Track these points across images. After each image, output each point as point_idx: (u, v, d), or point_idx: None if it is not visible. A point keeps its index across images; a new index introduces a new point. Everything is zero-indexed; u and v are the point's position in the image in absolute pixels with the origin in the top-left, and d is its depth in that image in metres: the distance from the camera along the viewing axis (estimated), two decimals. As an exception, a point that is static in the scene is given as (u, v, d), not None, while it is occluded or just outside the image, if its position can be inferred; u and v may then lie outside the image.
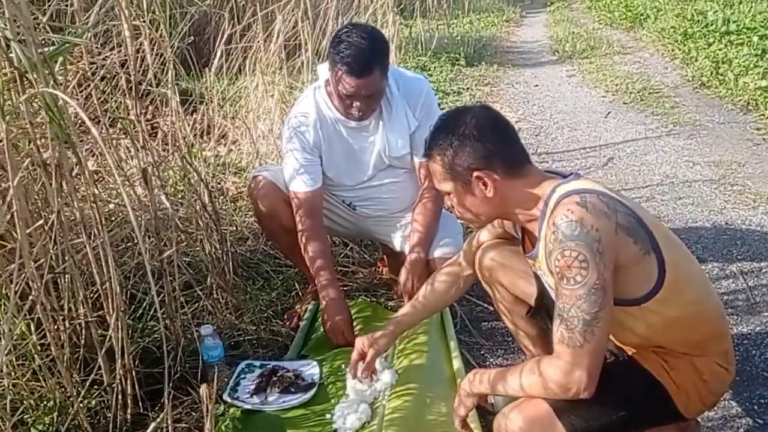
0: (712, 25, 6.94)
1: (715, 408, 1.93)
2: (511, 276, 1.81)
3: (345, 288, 2.72)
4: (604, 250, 1.33)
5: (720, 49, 6.29)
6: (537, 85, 6.75)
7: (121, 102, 2.43)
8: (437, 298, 1.94)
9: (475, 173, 1.48)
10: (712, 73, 6.05)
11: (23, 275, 1.60)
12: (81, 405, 1.74)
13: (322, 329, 2.34)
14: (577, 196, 1.39)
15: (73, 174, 1.78)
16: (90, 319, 1.81)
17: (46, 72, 1.55)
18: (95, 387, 1.84)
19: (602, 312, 1.33)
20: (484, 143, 1.48)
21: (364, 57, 2.06)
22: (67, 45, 1.72)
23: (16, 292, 1.55)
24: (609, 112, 5.45)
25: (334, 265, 2.36)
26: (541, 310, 1.77)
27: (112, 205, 2.52)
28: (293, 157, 2.31)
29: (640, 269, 1.41)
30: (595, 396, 1.36)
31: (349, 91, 2.12)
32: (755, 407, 1.97)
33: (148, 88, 2.42)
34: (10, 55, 1.52)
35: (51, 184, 1.66)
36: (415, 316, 1.96)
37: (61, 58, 1.89)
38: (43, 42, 1.75)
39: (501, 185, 1.49)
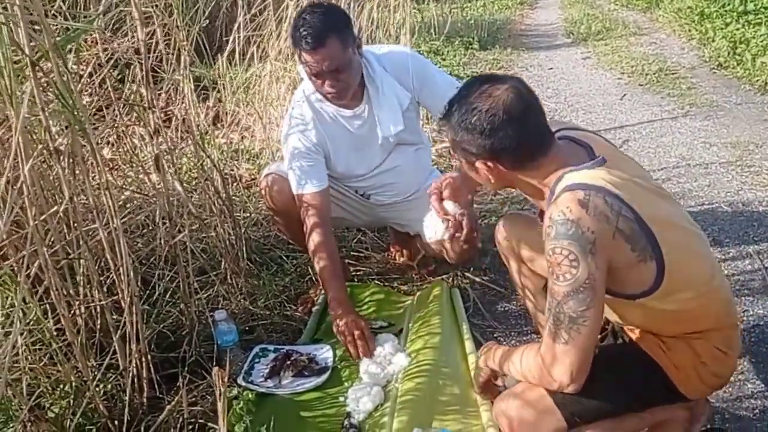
0: (729, 4, 6.81)
1: (730, 389, 1.93)
2: (530, 250, 1.81)
3: (358, 273, 2.73)
4: (597, 251, 1.31)
5: (737, 29, 6.18)
6: (552, 68, 6.69)
7: (135, 89, 2.44)
8: None
9: (479, 160, 1.44)
10: (729, 53, 5.95)
11: (36, 261, 1.62)
12: (97, 389, 1.76)
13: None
14: (581, 192, 1.34)
15: (87, 161, 1.79)
16: (105, 304, 1.82)
17: (58, 60, 1.56)
18: (111, 371, 1.86)
19: (590, 311, 1.31)
20: (493, 138, 1.39)
21: (316, 28, 2.03)
22: (78, 32, 1.72)
23: (29, 277, 1.57)
24: (624, 94, 5.39)
25: (343, 277, 2.30)
26: None
27: (127, 192, 2.54)
28: (296, 160, 2.27)
29: (635, 273, 1.38)
30: (592, 379, 1.36)
31: (312, 69, 2.07)
32: (771, 388, 1.96)
33: (162, 74, 2.43)
34: (22, 42, 1.52)
35: (64, 171, 1.68)
36: None
37: (73, 46, 1.90)
38: (56, 29, 1.76)
39: (505, 174, 1.46)
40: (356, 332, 2.07)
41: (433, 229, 2.33)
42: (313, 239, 2.23)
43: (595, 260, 1.30)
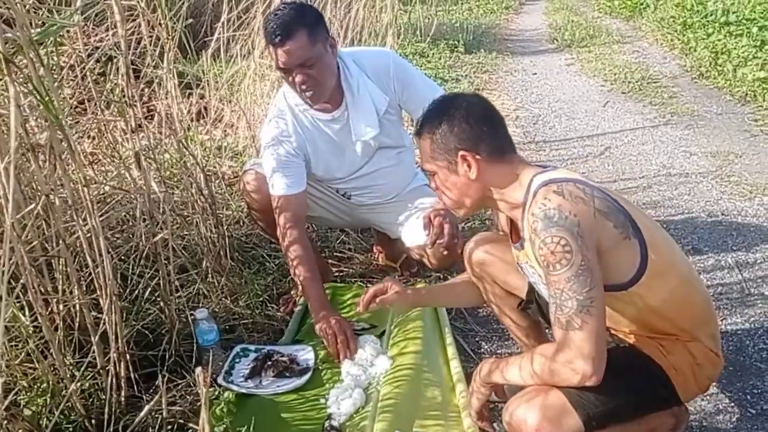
0: (711, 15, 6.91)
1: (708, 398, 1.96)
2: (502, 270, 1.81)
3: (340, 274, 2.72)
4: (584, 234, 1.35)
5: (719, 40, 6.27)
6: (535, 74, 6.73)
7: (116, 84, 2.41)
8: (471, 294, 1.95)
9: (461, 152, 1.51)
10: (710, 63, 6.04)
11: (13, 258, 1.58)
12: (74, 387, 1.73)
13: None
14: (554, 185, 1.42)
15: (64, 157, 1.76)
16: (83, 302, 1.80)
17: (33, 55, 1.52)
18: (89, 369, 1.83)
19: (594, 291, 1.34)
20: (472, 126, 1.52)
21: (284, 23, 2.03)
22: (54, 27, 1.69)
23: (4, 274, 1.54)
24: (607, 102, 5.44)
25: (320, 279, 2.27)
26: (532, 303, 1.78)
27: (107, 188, 2.50)
28: (275, 163, 2.25)
29: (623, 253, 1.43)
30: (604, 381, 1.35)
31: (281, 63, 2.07)
32: (747, 397, 1.98)
33: (145, 69, 2.40)
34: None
35: (42, 167, 1.65)
36: (445, 297, 2.04)
37: (52, 40, 1.87)
38: (38, 23, 1.73)
39: (484, 167, 1.52)
40: (339, 335, 2.06)
41: (414, 235, 2.33)
42: (289, 243, 2.22)
43: (585, 243, 1.35)
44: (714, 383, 1.99)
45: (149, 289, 2.15)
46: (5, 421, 1.58)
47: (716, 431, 1.85)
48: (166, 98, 2.53)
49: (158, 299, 2.14)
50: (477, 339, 2.32)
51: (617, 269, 1.44)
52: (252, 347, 2.15)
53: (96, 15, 2.35)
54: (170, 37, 2.28)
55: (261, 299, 2.45)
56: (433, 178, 1.62)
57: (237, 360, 2.08)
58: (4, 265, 1.50)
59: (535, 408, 1.41)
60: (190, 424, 1.76)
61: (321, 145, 2.31)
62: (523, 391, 1.47)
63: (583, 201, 1.39)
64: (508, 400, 1.62)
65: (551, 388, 1.42)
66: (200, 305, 2.26)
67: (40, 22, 1.73)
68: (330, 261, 2.78)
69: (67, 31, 2.18)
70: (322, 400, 1.91)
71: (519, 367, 1.47)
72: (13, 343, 1.74)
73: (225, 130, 3.82)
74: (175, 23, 2.43)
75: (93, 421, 1.73)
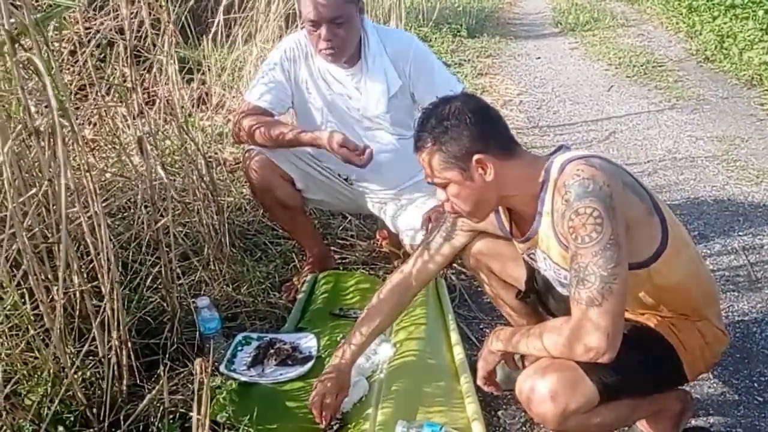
0: (717, -2, 6.86)
1: (714, 386, 1.94)
2: (501, 261, 1.80)
3: (343, 260, 2.71)
4: (615, 206, 1.34)
5: (725, 23, 6.21)
6: (539, 58, 6.67)
7: (117, 69, 2.38)
8: (385, 319, 1.80)
9: (475, 156, 1.45)
10: (716, 47, 5.98)
11: (15, 244, 1.57)
12: (75, 376, 1.72)
13: (320, 302, 2.33)
14: (582, 159, 1.40)
15: (67, 142, 1.74)
16: (85, 290, 1.78)
17: (39, 37, 1.50)
18: (90, 358, 1.82)
19: (618, 268, 1.33)
20: (478, 126, 1.46)
21: None
22: (59, 8, 1.66)
23: (7, 261, 1.52)
24: (611, 86, 5.39)
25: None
26: (531, 293, 1.78)
27: (108, 174, 2.48)
28: (265, 75, 2.29)
29: (646, 230, 1.44)
30: (618, 355, 1.34)
31: (313, 14, 2.05)
32: (755, 384, 1.96)
33: (146, 55, 2.37)
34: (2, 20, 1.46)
35: (44, 152, 1.62)
36: (363, 345, 1.80)
37: (54, 23, 1.84)
38: (37, 5, 1.70)
39: (498, 166, 1.46)
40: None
41: (411, 234, 2.30)
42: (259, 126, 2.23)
43: (616, 216, 1.34)
44: (720, 371, 1.99)
45: (151, 276, 2.14)
46: (5, 411, 1.57)
47: (723, 419, 1.83)
48: (167, 84, 2.50)
49: (160, 287, 2.13)
50: (481, 326, 2.30)
51: (640, 245, 1.44)
52: (254, 335, 2.13)
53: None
54: (171, 21, 2.26)
55: (263, 287, 2.43)
56: (443, 190, 1.53)
57: (239, 348, 2.07)
58: (6, 252, 1.49)
59: (550, 376, 1.40)
60: (192, 413, 1.75)
61: (322, 88, 2.30)
62: (537, 363, 1.46)
63: (612, 173, 1.39)
64: (517, 371, 1.61)
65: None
66: (202, 293, 2.25)
67: (44, 6, 1.71)
68: (332, 248, 2.76)
69: (68, 15, 2.15)
70: (325, 389, 1.89)
71: (533, 340, 1.45)
72: (14, 332, 1.72)
73: (226, 117, 3.79)
74: (176, 6, 2.40)
75: (94, 410, 1.72)
